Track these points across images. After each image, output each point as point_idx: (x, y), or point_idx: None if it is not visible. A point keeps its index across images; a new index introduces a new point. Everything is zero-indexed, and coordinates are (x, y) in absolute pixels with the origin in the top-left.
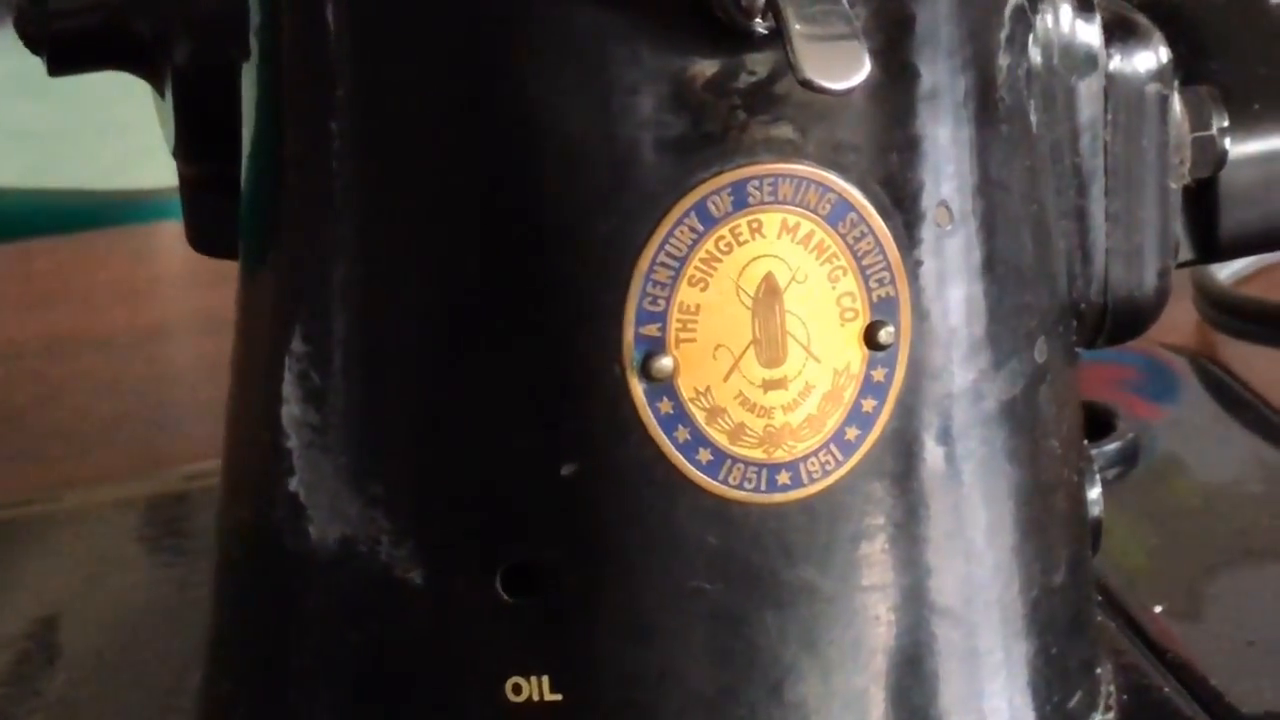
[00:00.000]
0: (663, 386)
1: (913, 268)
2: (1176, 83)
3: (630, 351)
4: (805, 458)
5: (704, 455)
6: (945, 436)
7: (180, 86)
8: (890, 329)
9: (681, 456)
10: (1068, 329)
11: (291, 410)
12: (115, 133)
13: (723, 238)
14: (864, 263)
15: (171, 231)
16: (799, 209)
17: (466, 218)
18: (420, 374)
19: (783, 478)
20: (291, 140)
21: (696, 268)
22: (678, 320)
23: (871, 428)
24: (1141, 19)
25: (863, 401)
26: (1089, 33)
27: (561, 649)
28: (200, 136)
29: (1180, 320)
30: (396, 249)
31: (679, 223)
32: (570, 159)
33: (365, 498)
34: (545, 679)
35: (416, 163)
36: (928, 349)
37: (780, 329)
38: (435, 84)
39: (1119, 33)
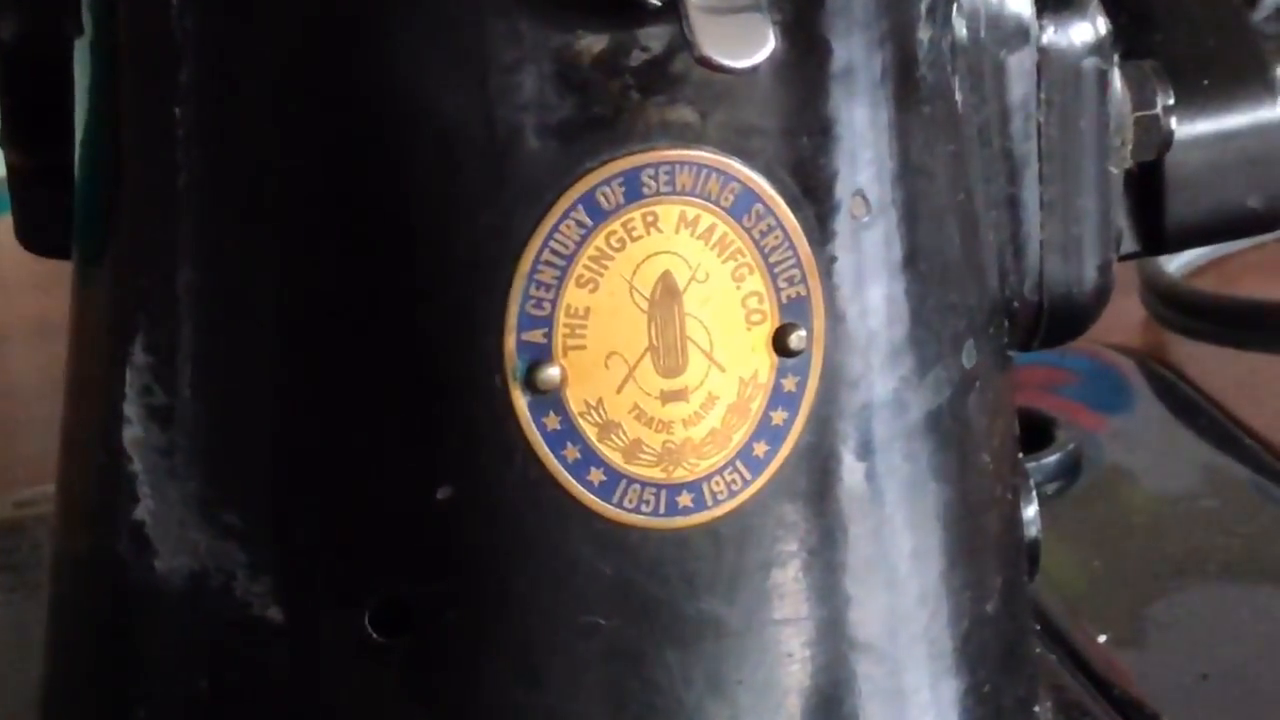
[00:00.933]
0: (549, 399)
1: (826, 264)
2: (1117, 56)
3: (512, 360)
4: (709, 477)
5: (596, 475)
6: (865, 451)
7: (6, 66)
8: (802, 333)
9: (571, 477)
10: (999, 330)
11: (134, 430)
12: None
13: (614, 233)
14: (772, 260)
15: (4, 227)
16: (699, 200)
17: (325, 212)
18: (276, 388)
19: (684, 499)
20: (130, 127)
21: (585, 266)
22: (565, 325)
23: (782, 443)
24: None
25: (772, 414)
26: (1019, 2)
27: (439, 694)
28: (30, 122)
29: (1125, 318)
30: (248, 248)
31: (565, 216)
32: (442, 146)
33: (217, 527)
34: None
35: (269, 151)
36: (844, 355)
37: (680, 334)
38: (290, 63)
39: (1052, 2)
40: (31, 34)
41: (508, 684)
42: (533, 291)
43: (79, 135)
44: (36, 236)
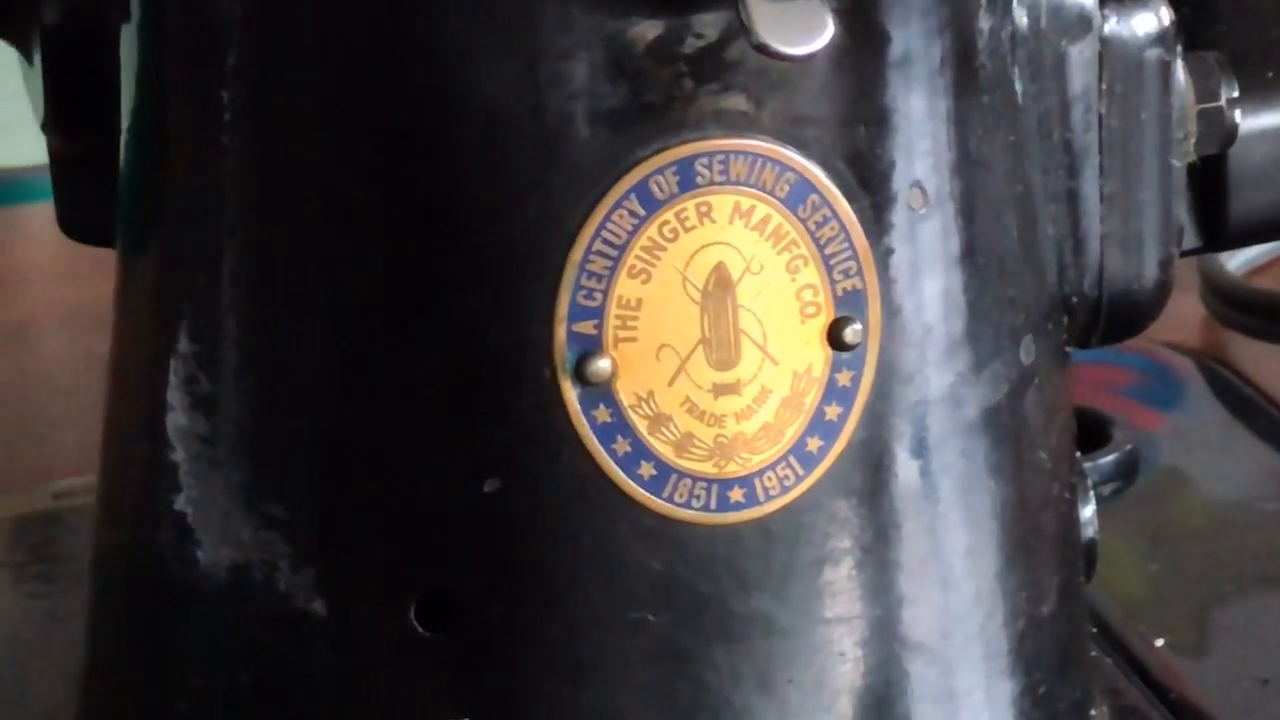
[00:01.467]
0: (599, 392)
1: (882, 257)
2: (1180, 48)
3: (562, 352)
4: (761, 472)
5: (646, 469)
6: (919, 448)
7: (50, 50)
8: (857, 326)
9: (620, 471)
10: (1058, 326)
11: (177, 419)
12: None
13: (667, 223)
14: (827, 251)
15: (40, 215)
16: (753, 190)
17: (374, 201)
18: (322, 379)
19: (735, 495)
20: (177, 113)
21: (637, 257)
22: (616, 316)
23: (836, 438)
24: None
25: (826, 408)
26: None
27: (483, 689)
28: (73, 108)
29: (1184, 316)
30: (294, 236)
31: (617, 206)
32: (492, 134)
33: (261, 518)
34: None
35: (317, 138)
36: (899, 349)
37: (733, 326)
38: (339, 49)
39: None
40: (76, 18)
41: (553, 680)
42: (584, 282)
43: (125, 121)
44: (78, 224)
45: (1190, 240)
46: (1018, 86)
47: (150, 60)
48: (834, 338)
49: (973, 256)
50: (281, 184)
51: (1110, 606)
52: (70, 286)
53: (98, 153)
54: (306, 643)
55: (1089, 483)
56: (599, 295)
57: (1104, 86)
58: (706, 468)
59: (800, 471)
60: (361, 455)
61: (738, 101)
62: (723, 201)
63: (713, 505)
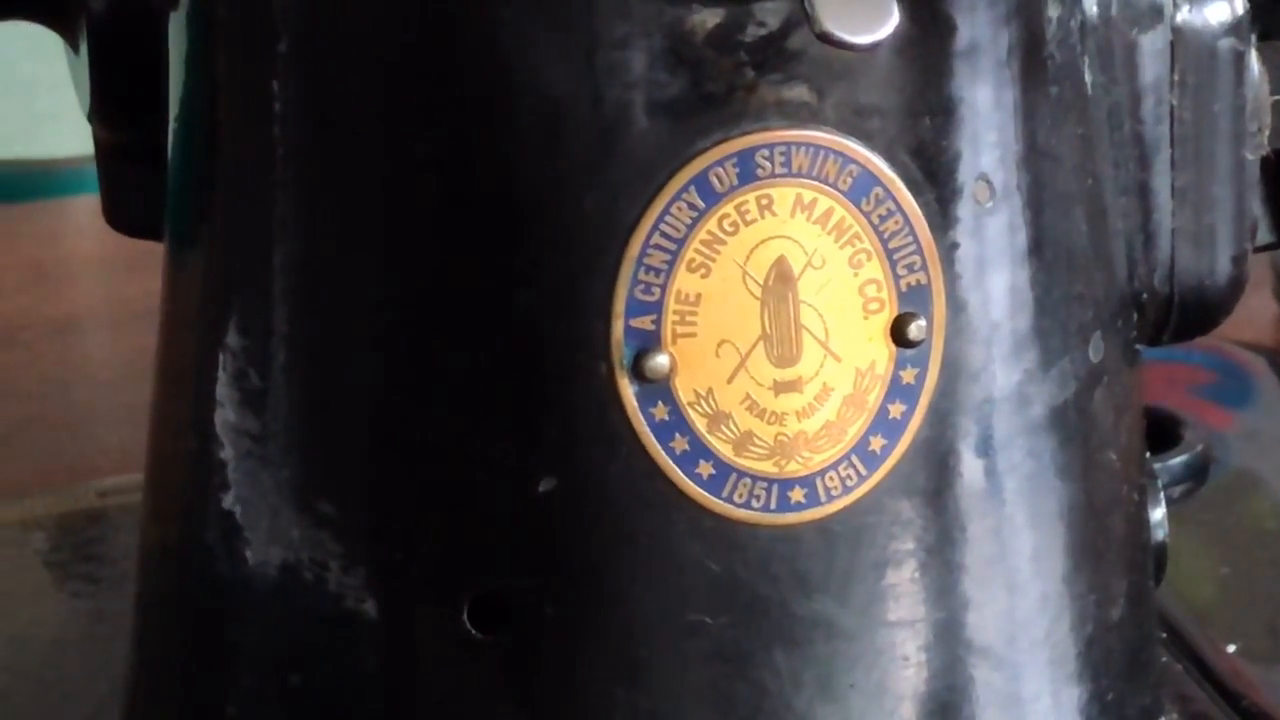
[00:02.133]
0: (657, 388)
1: (948, 251)
2: (1254, 37)
3: (619, 348)
4: (823, 472)
5: (705, 468)
6: (985, 447)
7: (97, 39)
8: (921, 322)
9: (679, 470)
10: (1128, 323)
11: (226, 415)
12: (20, 93)
13: (727, 216)
14: (891, 245)
15: (86, 207)
16: (816, 183)
17: (428, 192)
18: (375, 374)
19: (796, 495)
20: (226, 102)
21: (697, 250)
22: (675, 312)
23: (900, 437)
24: None
25: (890, 406)
26: None
27: (538, 692)
28: (120, 97)
29: (1257, 313)
30: (346, 227)
31: (676, 198)
32: (549, 124)
33: (311, 516)
34: None
35: (370, 128)
36: (965, 346)
37: (794, 322)
38: (393, 37)
39: None
40: (123, 6)
41: (608, 683)
42: (642, 276)
43: (173, 111)
44: (125, 216)
45: (1264, 235)
46: (1087, 77)
47: (199, 49)
48: (898, 334)
49: (1040, 251)
50: (334, 176)
51: (1180, 611)
52: (116, 280)
53: (144, 144)
54: (357, 644)
55: (1159, 484)
56: (657, 290)
57: (1176, 77)
58: (767, 467)
59: (863, 471)
60: (414, 453)
61: (800, 92)
62: (784, 194)
63: (773, 505)
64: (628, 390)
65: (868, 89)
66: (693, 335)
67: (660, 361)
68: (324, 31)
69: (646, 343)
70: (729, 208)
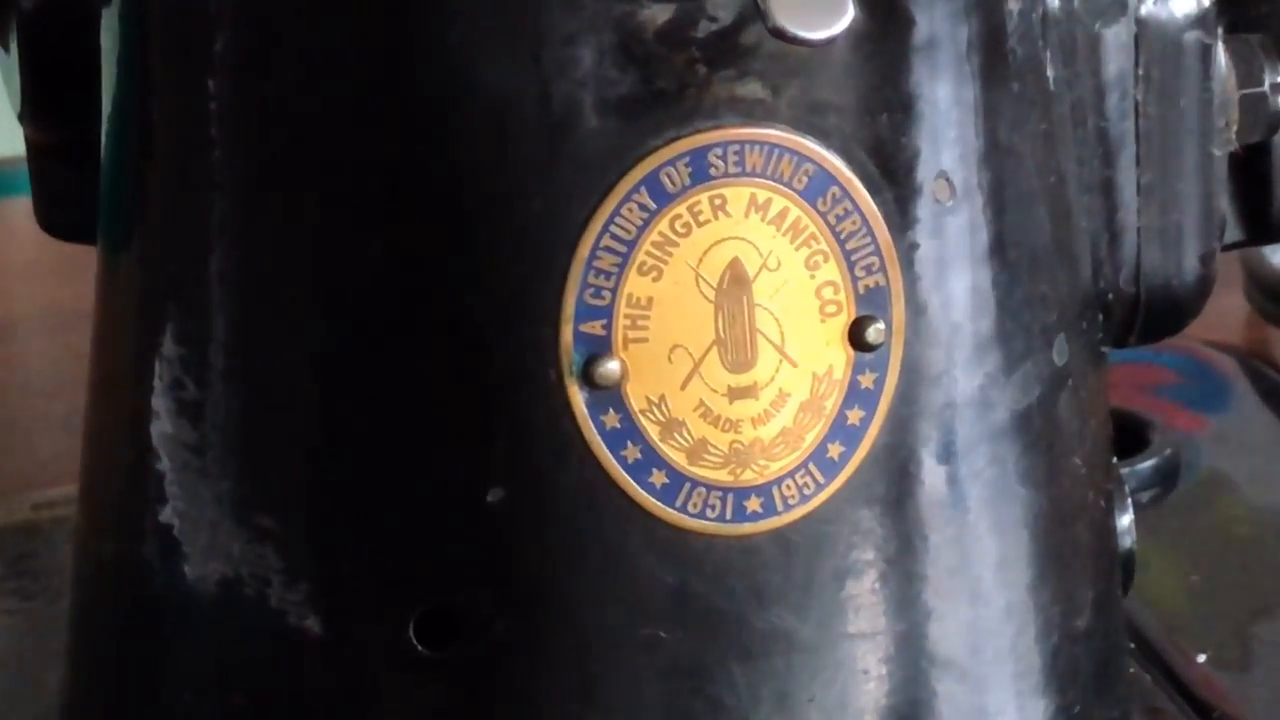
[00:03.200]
0: (608, 395)
1: (907, 252)
2: (1221, 30)
3: (568, 353)
4: (779, 480)
5: (658, 477)
6: (947, 454)
7: (27, 37)
8: (880, 326)
9: (630, 479)
10: (1093, 324)
11: (162, 426)
12: None
13: (679, 217)
14: (848, 247)
15: (18, 210)
16: (770, 182)
17: (371, 194)
18: (316, 382)
19: (752, 504)
20: (161, 101)
21: (648, 253)
22: (626, 316)
23: (858, 444)
24: None
25: (848, 412)
26: None
27: (489, 711)
28: (51, 97)
29: (1227, 312)
30: (287, 231)
31: (626, 199)
32: (494, 122)
33: (251, 530)
34: None
35: (309, 126)
36: (925, 349)
37: (749, 326)
38: (334, 35)
39: None
40: (54, 2)
41: (562, 701)
42: (591, 279)
43: (106, 110)
44: (57, 219)
45: (1232, 233)
46: (1049, 72)
47: (132, 47)
48: (856, 338)
49: (1002, 251)
50: (274, 177)
51: (1149, 620)
52: (51, 285)
53: (78, 144)
54: (301, 662)
55: (1126, 489)
56: (607, 293)
57: (1140, 71)
58: (722, 476)
59: (821, 479)
60: (358, 464)
61: (754, 88)
62: (738, 194)
63: (728, 515)
64: (578, 397)
65: (823, 85)
66: (644, 340)
67: (611, 368)
68: (262, 28)
69: (596, 348)
70: (681, 208)
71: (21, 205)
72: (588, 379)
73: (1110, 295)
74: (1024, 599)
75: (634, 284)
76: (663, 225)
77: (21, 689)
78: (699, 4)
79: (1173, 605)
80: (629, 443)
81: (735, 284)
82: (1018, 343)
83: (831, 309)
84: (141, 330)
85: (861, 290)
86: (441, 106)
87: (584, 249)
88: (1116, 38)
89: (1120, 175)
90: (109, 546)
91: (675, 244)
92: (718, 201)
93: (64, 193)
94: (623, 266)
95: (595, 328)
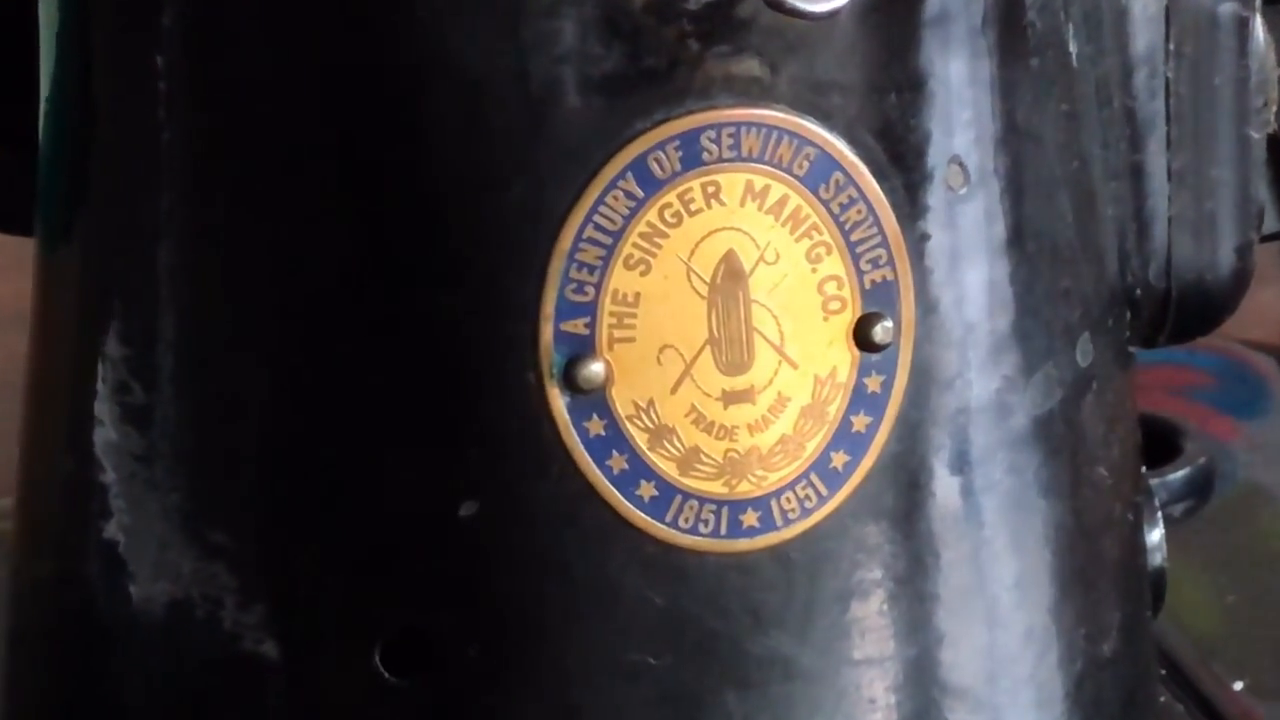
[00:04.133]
0: (591, 400)
1: (916, 244)
2: (1259, 1)
3: (548, 354)
4: (778, 492)
5: (646, 490)
6: (961, 463)
7: None
8: (888, 324)
9: (617, 491)
10: (1120, 322)
11: (106, 433)
12: None
13: (669, 205)
14: (853, 238)
15: None
16: (768, 168)
17: (333, 181)
18: (274, 386)
19: (749, 518)
20: (103, 82)
21: (635, 245)
22: (611, 313)
23: (864, 453)
24: None
25: (853, 418)
26: None
27: None
28: None
29: (1265, 309)
30: (243, 222)
31: (612, 186)
32: (468, 103)
33: (203, 547)
34: None
35: (268, 108)
36: (937, 350)
37: (745, 324)
38: (292, 5)
39: None
40: None
41: None
42: (573, 274)
43: (43, 91)
44: None
45: (1271, 223)
46: (1072, 47)
47: (73, 23)
48: (861, 337)
49: (1021, 243)
50: (226, 164)
51: (1182, 644)
52: None
53: (12, 128)
54: (257, 690)
55: (1156, 502)
56: (591, 289)
57: (1171, 47)
58: (715, 487)
59: (823, 491)
60: (318, 474)
61: (750, 66)
62: (732, 181)
63: (723, 530)
64: (559, 402)
65: (826, 62)
66: (631, 340)
67: (594, 370)
68: (213, 1)
69: (579, 348)
70: (671, 196)
71: None
72: (569, 382)
73: (1138, 290)
74: (1045, 621)
75: (620, 279)
76: (651, 215)
77: None
78: None
79: (1207, 628)
80: (615, 451)
81: (730, 279)
82: (1038, 343)
83: (835, 306)
84: (83, 330)
85: (867, 285)
86: (410, 84)
87: (565, 241)
88: (1145, 10)
89: (1149, 160)
90: (48, 564)
91: (665, 235)
92: (711, 189)
93: (1, 181)
94: (607, 260)
95: (577, 326)
